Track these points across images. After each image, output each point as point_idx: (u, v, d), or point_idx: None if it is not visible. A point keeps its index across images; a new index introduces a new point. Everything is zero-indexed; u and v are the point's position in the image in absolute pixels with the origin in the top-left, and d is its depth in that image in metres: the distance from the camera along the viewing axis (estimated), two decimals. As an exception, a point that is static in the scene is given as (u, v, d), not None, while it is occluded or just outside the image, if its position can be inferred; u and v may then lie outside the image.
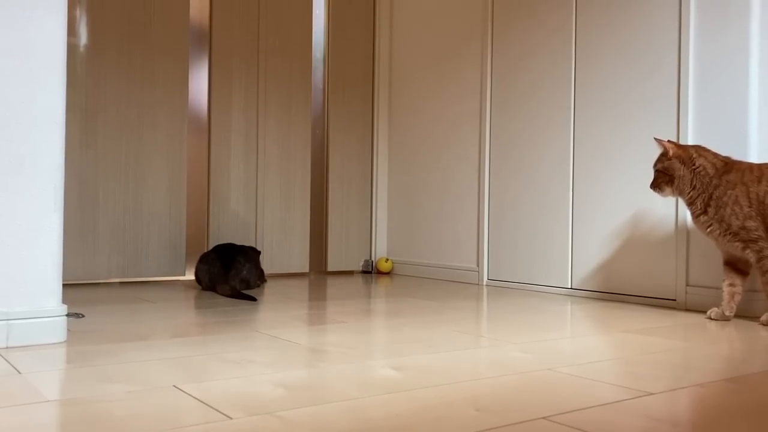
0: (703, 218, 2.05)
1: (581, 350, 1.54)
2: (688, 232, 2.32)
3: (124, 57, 2.89)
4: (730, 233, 2.00)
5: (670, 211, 2.38)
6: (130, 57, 2.90)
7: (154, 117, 2.96)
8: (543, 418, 0.99)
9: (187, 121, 3.06)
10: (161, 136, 2.99)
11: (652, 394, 1.15)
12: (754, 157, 2.18)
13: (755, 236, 1.96)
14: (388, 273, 3.64)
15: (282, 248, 3.36)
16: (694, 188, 2.06)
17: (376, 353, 1.47)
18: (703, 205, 2.04)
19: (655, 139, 2.16)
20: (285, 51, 3.38)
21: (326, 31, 3.62)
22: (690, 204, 2.09)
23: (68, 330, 1.70)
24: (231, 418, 0.97)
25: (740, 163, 2.05)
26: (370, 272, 3.68)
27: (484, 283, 3.09)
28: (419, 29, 3.54)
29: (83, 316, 1.94)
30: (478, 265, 3.14)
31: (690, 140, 2.31)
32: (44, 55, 1.53)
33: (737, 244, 1.99)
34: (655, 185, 2.13)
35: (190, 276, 3.05)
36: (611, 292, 2.56)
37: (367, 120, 3.72)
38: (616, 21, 2.57)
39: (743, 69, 2.19)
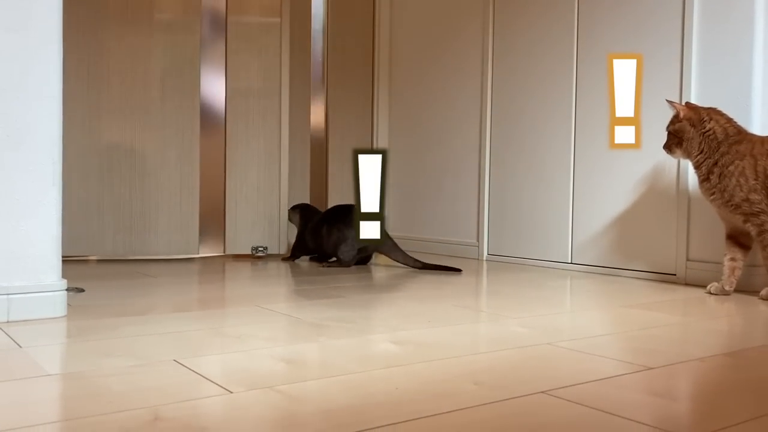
0: (706, 185, 2.04)
1: (580, 325, 1.55)
2: (689, 207, 2.31)
3: (128, 26, 2.81)
4: (732, 204, 1.99)
5: (671, 188, 2.37)
6: (134, 24, 2.82)
7: (161, 87, 2.85)
8: (542, 392, 1.00)
9: (199, 93, 2.92)
10: (169, 107, 2.87)
11: (651, 368, 1.16)
12: (756, 129, 2.16)
13: (757, 209, 1.96)
14: (388, 248, 3.63)
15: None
16: (701, 152, 2.05)
17: (376, 328, 1.47)
18: (707, 171, 2.03)
19: (667, 100, 2.13)
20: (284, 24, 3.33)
21: (325, 3, 3.58)
22: (697, 168, 2.08)
23: (68, 304, 1.70)
24: (231, 392, 0.97)
25: (752, 135, 2.03)
26: (371, 247, 3.67)
27: (484, 258, 3.09)
28: (421, 2, 3.49)
29: (83, 290, 1.94)
30: (478, 240, 3.14)
31: (692, 114, 2.29)
32: (40, 27, 1.51)
33: (739, 216, 1.99)
34: (667, 147, 2.13)
35: (204, 254, 3.00)
36: (611, 266, 2.57)
37: (366, 94, 3.69)
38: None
39: (747, 47, 2.16)
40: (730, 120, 2.05)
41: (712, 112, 2.07)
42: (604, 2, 2.59)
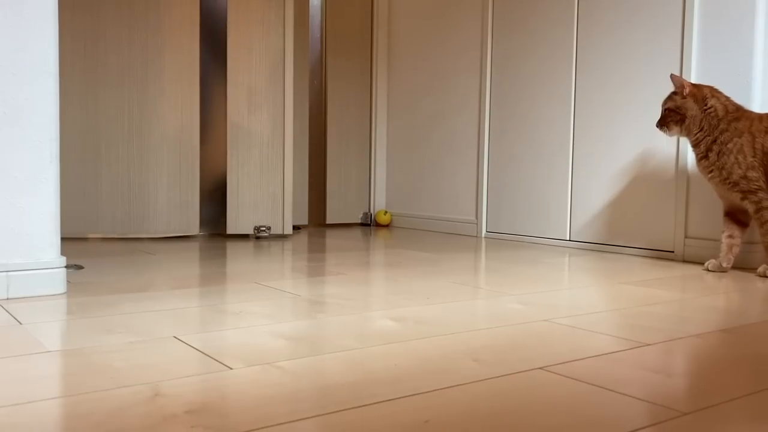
0: (704, 162, 2.04)
1: (578, 302, 1.55)
2: (688, 184, 2.31)
3: (124, 2, 2.76)
4: (730, 182, 1.99)
5: (669, 164, 2.37)
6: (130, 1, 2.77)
7: (160, 62, 2.80)
8: (540, 368, 1.00)
9: (198, 66, 2.84)
10: (168, 82, 2.81)
11: (648, 345, 1.16)
12: (756, 108, 2.16)
13: (755, 187, 1.96)
14: (386, 225, 3.64)
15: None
16: (701, 129, 2.04)
17: (374, 305, 1.48)
18: (705, 148, 2.03)
19: (671, 75, 2.11)
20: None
21: (324, -21, 3.54)
22: (695, 146, 2.07)
23: (68, 281, 1.71)
24: (231, 368, 0.98)
25: (750, 112, 2.02)
26: (369, 225, 3.68)
27: (483, 236, 3.10)
28: (419, -24, 3.46)
29: (83, 267, 1.95)
30: (476, 218, 3.14)
31: (693, 91, 2.28)
32: (36, 3, 1.50)
33: (736, 193, 1.99)
34: (663, 124, 2.10)
35: (205, 233, 2.98)
36: (610, 243, 2.57)
37: (365, 70, 3.66)
38: (621, -32, 2.50)
39: (749, 21, 2.14)
40: (728, 98, 2.04)
41: (713, 89, 2.06)
42: (605, -23, 2.56)
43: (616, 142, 2.54)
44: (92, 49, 2.73)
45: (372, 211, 3.70)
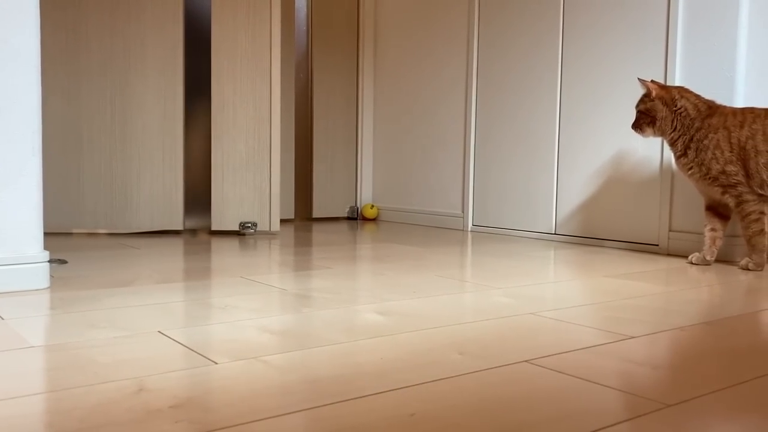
0: (683, 160, 2.06)
1: (564, 295, 1.56)
2: (672, 179, 2.33)
3: None
4: (710, 177, 2.01)
5: (654, 157, 2.39)
6: None
7: (142, 50, 2.72)
8: (525, 361, 1.01)
9: (182, 55, 2.75)
10: (151, 71, 2.73)
11: (632, 337, 1.17)
12: (740, 102, 2.17)
13: (734, 181, 1.98)
14: (373, 219, 3.64)
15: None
16: (675, 129, 2.06)
17: (361, 298, 1.48)
18: (683, 147, 2.05)
19: (638, 79, 2.14)
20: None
21: (310, -29, 3.52)
22: (671, 145, 2.10)
23: (51, 276, 1.69)
24: (216, 363, 0.97)
25: (723, 107, 2.04)
26: (356, 219, 3.68)
27: (469, 229, 3.10)
28: (405, -30, 3.45)
29: (66, 262, 1.93)
30: (463, 212, 3.15)
31: (678, 84, 2.29)
32: (16, -6, 1.47)
33: (717, 188, 2.01)
34: (637, 126, 2.13)
35: (189, 227, 2.92)
36: (595, 237, 2.59)
37: (352, 63, 3.65)
38: (607, -38, 2.51)
39: (733, 16, 2.16)
40: (698, 96, 2.07)
41: (682, 90, 2.08)
42: (590, -29, 2.57)
43: (601, 137, 2.55)
44: (74, 39, 2.67)
45: (358, 205, 3.69)
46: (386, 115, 3.59)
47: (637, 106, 2.13)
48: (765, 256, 2.00)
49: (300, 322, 1.25)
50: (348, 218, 3.68)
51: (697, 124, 2.03)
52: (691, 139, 2.03)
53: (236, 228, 2.77)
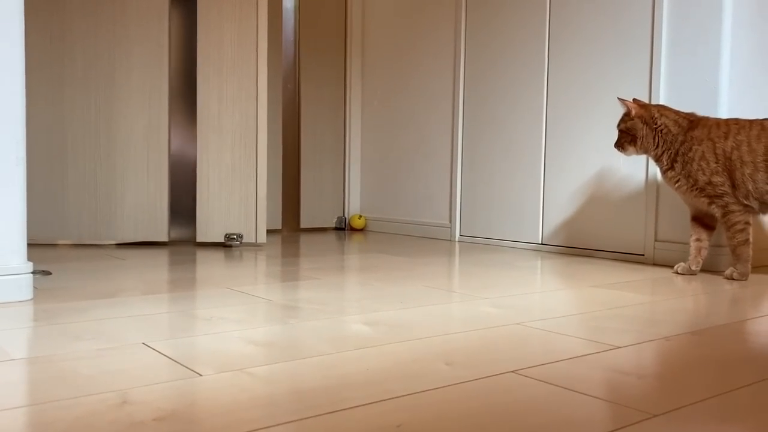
0: (670, 173, 2.08)
1: (550, 305, 1.56)
2: (657, 189, 2.35)
3: None
4: (696, 188, 2.02)
5: (640, 168, 2.40)
6: None
7: (127, 57, 2.66)
8: (512, 371, 1.01)
9: (168, 63, 2.70)
10: (136, 78, 2.68)
11: (618, 347, 1.17)
12: (724, 113, 2.20)
13: (721, 191, 1.99)
14: (361, 230, 3.64)
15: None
16: (657, 146, 2.08)
17: (348, 309, 1.47)
18: (669, 161, 2.07)
19: (618, 99, 2.17)
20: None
21: (297, -18, 3.53)
22: (657, 160, 2.11)
23: (35, 287, 1.67)
24: (201, 375, 0.96)
25: (706, 119, 2.06)
26: (344, 229, 3.67)
27: (456, 239, 3.11)
28: (393, -19, 3.46)
29: (50, 273, 1.91)
30: (450, 222, 3.15)
31: (662, 98, 2.31)
32: (1, 2, 1.46)
33: (703, 199, 2.02)
34: (619, 144, 2.15)
35: (174, 239, 2.85)
36: (581, 247, 2.60)
37: (339, 74, 3.66)
38: (592, -25, 2.54)
39: (716, 29, 2.18)
40: (677, 112, 2.09)
41: (661, 108, 2.10)
42: (576, -16, 2.59)
43: (588, 147, 2.57)
44: (59, 45, 2.63)
45: (346, 215, 3.69)
46: (374, 125, 3.60)
47: (618, 125, 2.15)
48: (749, 265, 2.01)
49: (286, 333, 1.24)
50: (336, 228, 3.67)
51: (680, 138, 2.05)
52: (676, 153, 2.05)
53: (221, 240, 2.71)
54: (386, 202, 3.53)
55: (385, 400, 0.87)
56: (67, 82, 2.65)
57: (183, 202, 2.94)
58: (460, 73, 3.07)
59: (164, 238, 2.72)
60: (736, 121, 2.02)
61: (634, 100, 2.13)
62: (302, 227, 3.57)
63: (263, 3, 2.74)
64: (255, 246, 2.76)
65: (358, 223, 3.61)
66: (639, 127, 2.09)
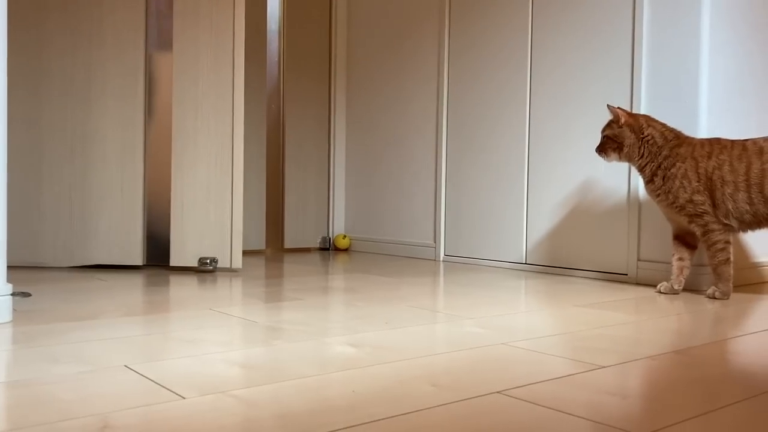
0: (651, 186, 2.10)
1: (535, 325, 1.56)
2: (639, 208, 2.37)
3: (69, 12, 2.61)
4: (677, 206, 2.05)
5: (622, 190, 2.43)
6: (76, 11, 2.62)
7: (102, 75, 2.61)
8: (497, 392, 1.00)
9: (144, 79, 2.65)
10: (111, 99, 2.63)
11: (603, 367, 1.18)
12: (703, 133, 2.23)
13: (701, 210, 2.02)
14: (345, 250, 3.63)
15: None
16: (642, 156, 2.10)
17: (332, 330, 1.46)
18: (650, 173, 2.09)
19: (607, 106, 2.18)
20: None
21: (281, 2, 3.55)
22: (640, 170, 2.13)
23: (14, 309, 1.65)
24: (184, 398, 0.95)
25: (691, 138, 2.09)
26: (328, 249, 3.66)
27: (441, 260, 3.11)
28: (377, 3, 3.50)
29: (30, 295, 1.88)
30: (435, 242, 3.16)
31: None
32: (-17, 23, 1.46)
33: (684, 216, 2.05)
34: (602, 150, 2.16)
35: (149, 263, 2.72)
36: (565, 267, 2.61)
37: (324, 95, 3.67)
38: (574, 2, 2.58)
39: (695, 50, 2.22)
40: (664, 125, 2.12)
41: (649, 118, 2.13)
42: (558, 6, 2.63)
43: (570, 167, 2.59)
44: (36, 64, 2.60)
45: (330, 235, 3.68)
46: (359, 145, 3.61)
47: (604, 130, 2.17)
48: (731, 284, 2.03)
49: (270, 355, 1.23)
50: (320, 249, 3.66)
51: (665, 152, 2.07)
52: (658, 167, 2.07)
53: (195, 264, 2.62)
54: (371, 223, 3.53)
55: (369, 422, 0.86)
56: (45, 102, 2.60)
57: (161, 224, 2.85)
58: (444, 93, 3.09)
59: (139, 262, 2.64)
60: (719, 140, 2.05)
61: (620, 108, 2.15)
62: (286, 247, 3.55)
63: (240, 16, 2.67)
64: (230, 271, 2.66)
65: (342, 243, 3.60)
66: (627, 135, 2.11)
